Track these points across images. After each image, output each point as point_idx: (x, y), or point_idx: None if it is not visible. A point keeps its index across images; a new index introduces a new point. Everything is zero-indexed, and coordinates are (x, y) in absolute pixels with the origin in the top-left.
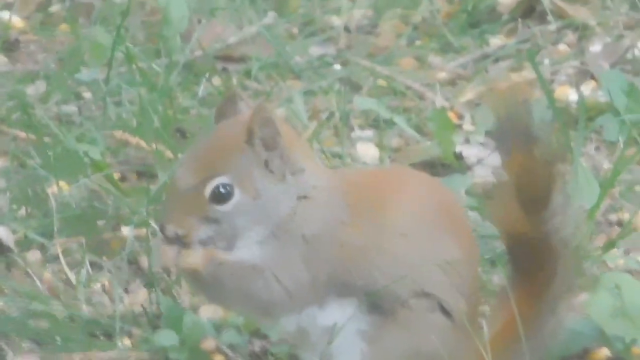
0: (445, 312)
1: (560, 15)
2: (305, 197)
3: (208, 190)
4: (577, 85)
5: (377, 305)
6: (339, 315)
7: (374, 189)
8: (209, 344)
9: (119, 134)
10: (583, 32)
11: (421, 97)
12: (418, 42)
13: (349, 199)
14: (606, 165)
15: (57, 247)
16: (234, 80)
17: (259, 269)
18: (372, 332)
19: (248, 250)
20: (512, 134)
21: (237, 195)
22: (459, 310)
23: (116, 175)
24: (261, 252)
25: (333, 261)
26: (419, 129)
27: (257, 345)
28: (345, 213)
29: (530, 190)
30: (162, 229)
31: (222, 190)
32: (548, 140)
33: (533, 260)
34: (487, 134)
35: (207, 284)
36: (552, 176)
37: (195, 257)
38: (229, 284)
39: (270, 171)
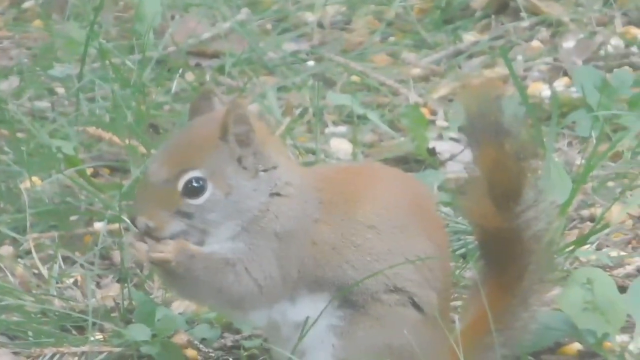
0: (417, 306)
1: (533, 11)
2: (277, 194)
3: (181, 183)
4: (550, 81)
5: (349, 300)
6: (311, 310)
7: (347, 185)
8: (181, 338)
9: (92, 129)
10: (556, 28)
11: (395, 93)
12: (392, 39)
13: (321, 195)
14: (579, 161)
15: (29, 242)
16: (208, 76)
17: (231, 262)
18: (343, 327)
19: (220, 245)
20: (483, 129)
21: (210, 189)
22: (430, 305)
23: (89, 171)
24: (233, 246)
25: (304, 258)
26: (392, 125)
27: (229, 339)
28: (317, 210)
29: (502, 185)
30: (133, 222)
31: (195, 184)
32: (519, 136)
33: (505, 254)
34: (460, 129)
35: (178, 276)
36: (524, 171)
37: (166, 248)
38: (201, 276)
39: (244, 167)
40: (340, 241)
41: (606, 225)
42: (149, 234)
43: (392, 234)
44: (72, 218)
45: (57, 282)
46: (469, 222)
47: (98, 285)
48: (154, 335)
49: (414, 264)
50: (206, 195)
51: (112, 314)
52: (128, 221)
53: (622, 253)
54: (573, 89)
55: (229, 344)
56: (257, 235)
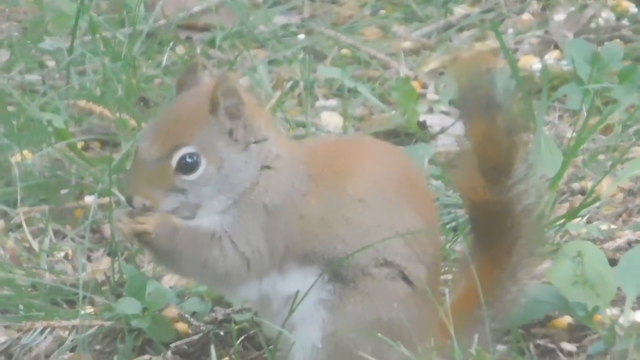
0: (407, 280)
1: None
2: (268, 167)
3: (174, 160)
4: (541, 55)
5: (339, 274)
6: (301, 284)
7: (336, 159)
8: (171, 311)
9: (82, 103)
10: (547, 1)
11: (385, 67)
12: (382, 12)
13: (310, 169)
14: (569, 134)
15: (20, 215)
16: (198, 50)
17: (216, 236)
18: (333, 301)
19: (209, 219)
20: (474, 102)
21: (203, 164)
22: (420, 279)
23: (80, 144)
24: (221, 220)
25: (293, 232)
26: (383, 98)
27: (220, 313)
28: (306, 184)
29: (493, 158)
30: (129, 201)
31: (188, 160)
32: (511, 109)
33: (495, 228)
34: (451, 102)
35: (162, 250)
36: (515, 145)
37: (147, 220)
38: (184, 250)
39: (235, 140)
40: (330, 215)
41: (597, 199)
42: (145, 213)
43: (381, 208)
44: (63, 191)
45: (47, 256)
46: (460, 196)
47: (89, 258)
48: (144, 309)
49: (404, 237)
50: (200, 170)
51: (103, 288)
52: (120, 196)
53: (613, 226)
54: (564, 62)
55: (220, 317)
56: (246, 208)
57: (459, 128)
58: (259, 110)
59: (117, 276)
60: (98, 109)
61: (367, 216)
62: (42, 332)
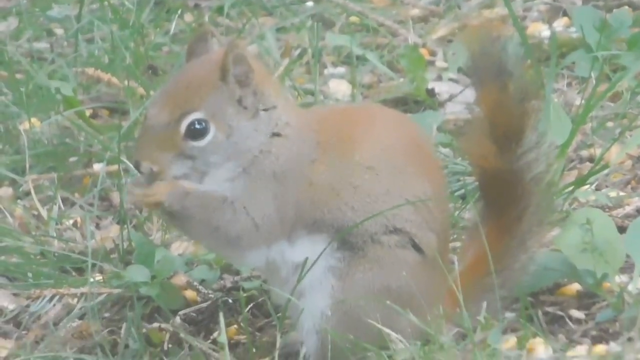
0: (416, 247)
1: None
2: (277, 134)
3: (183, 126)
4: (549, 22)
5: (348, 241)
6: (310, 251)
7: (344, 127)
8: (180, 279)
9: (90, 70)
10: None
11: (394, 34)
12: None
13: (318, 136)
14: (578, 101)
15: (29, 183)
16: (206, 17)
17: (228, 200)
18: (342, 268)
19: (218, 186)
20: (486, 69)
21: (212, 131)
22: (429, 246)
23: (88, 112)
24: (232, 185)
25: (302, 199)
26: (391, 66)
27: (228, 280)
28: (315, 151)
29: (504, 126)
30: (137, 166)
31: (197, 126)
32: (523, 76)
33: (505, 196)
34: (462, 69)
35: (175, 214)
36: (526, 112)
37: (158, 190)
38: (196, 214)
39: (244, 107)
40: (338, 182)
41: (605, 166)
42: (152, 178)
43: (390, 175)
44: (71, 159)
45: (56, 224)
46: (469, 163)
47: (97, 226)
48: (153, 277)
49: (413, 205)
50: (208, 137)
51: (112, 255)
52: (129, 163)
53: (621, 193)
54: (572, 29)
55: (228, 285)
56: (256, 176)
57: (467, 95)
58: (268, 77)
59: (125, 244)
60: (106, 76)
61: (375, 184)
62: (50, 299)
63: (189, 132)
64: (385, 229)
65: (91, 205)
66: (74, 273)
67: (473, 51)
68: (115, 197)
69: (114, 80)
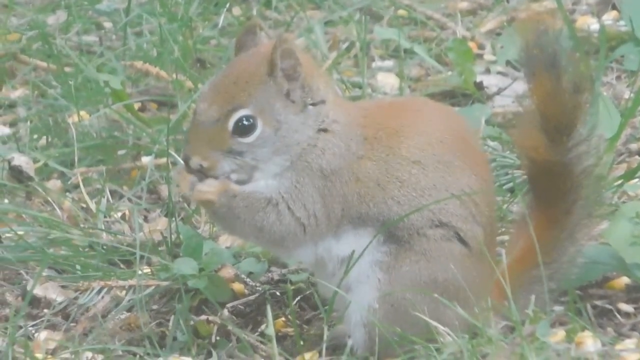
0: (463, 241)
1: None
2: (325, 130)
3: (231, 123)
4: (598, 15)
5: (394, 235)
6: (355, 245)
7: (391, 121)
8: (227, 272)
9: (139, 64)
10: None
11: (442, 27)
12: None
13: (365, 131)
14: (627, 94)
15: (77, 176)
16: (254, 10)
17: (273, 201)
18: (389, 262)
19: (265, 182)
20: (540, 60)
21: (260, 127)
22: (476, 239)
23: (136, 105)
24: (278, 183)
25: (349, 195)
26: (439, 59)
27: (276, 273)
28: (361, 146)
29: (556, 118)
30: (186, 162)
31: (245, 122)
32: (576, 69)
33: (554, 189)
34: (514, 60)
35: (221, 215)
36: (578, 105)
37: (210, 189)
38: (242, 215)
39: (292, 101)
40: (385, 177)
41: None
42: (202, 173)
43: (436, 169)
44: (120, 152)
45: (104, 216)
46: (519, 156)
47: (145, 219)
48: (201, 269)
49: (459, 198)
50: (256, 132)
51: (160, 248)
52: (177, 156)
53: None
54: (621, 22)
55: (276, 278)
56: (303, 172)
57: (516, 88)
58: (317, 71)
59: (173, 236)
60: (154, 70)
61: (422, 178)
62: (99, 292)
63: (236, 129)
64: (431, 223)
65: (139, 197)
66: (122, 265)
67: (527, 42)
68: (163, 189)
69: (162, 73)
